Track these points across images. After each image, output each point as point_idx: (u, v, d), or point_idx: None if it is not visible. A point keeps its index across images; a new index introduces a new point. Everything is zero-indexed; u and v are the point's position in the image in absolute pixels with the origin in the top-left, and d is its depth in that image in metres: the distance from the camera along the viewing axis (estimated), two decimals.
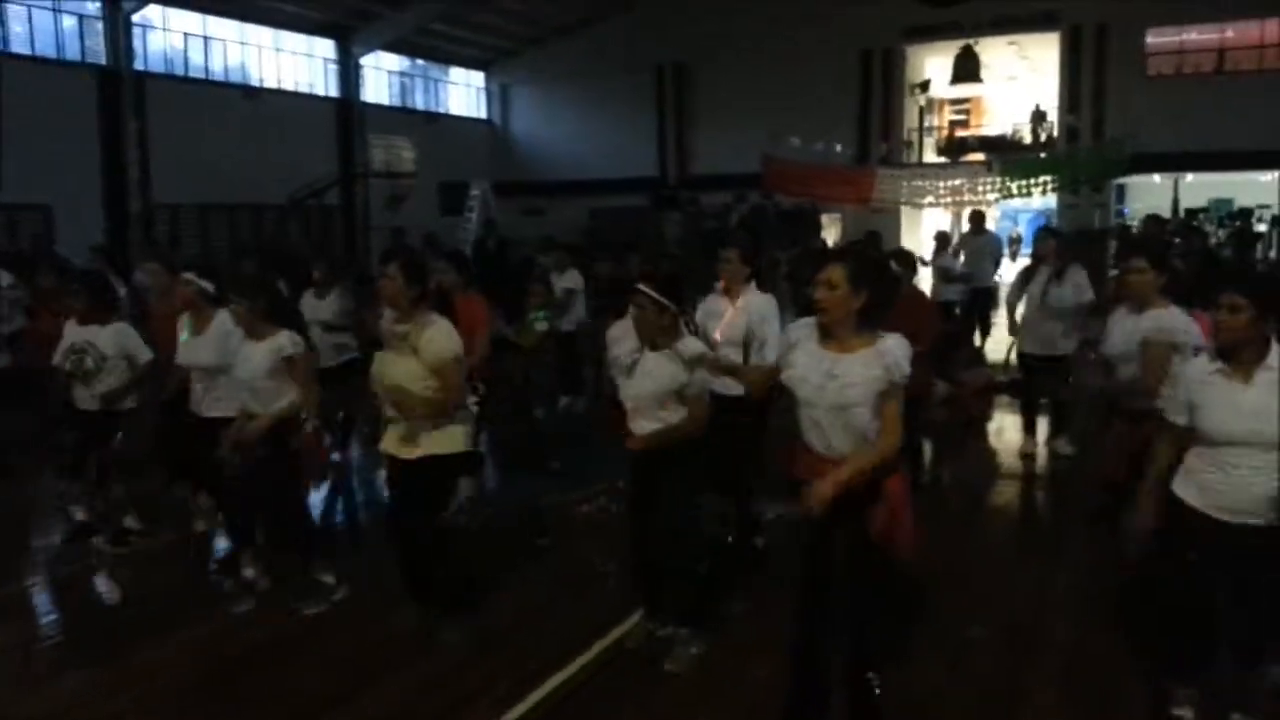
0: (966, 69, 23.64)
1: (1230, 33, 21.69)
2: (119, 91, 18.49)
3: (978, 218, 13.07)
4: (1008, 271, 12.67)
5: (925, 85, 24.62)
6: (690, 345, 4.17)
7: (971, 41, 23.33)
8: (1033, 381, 7.97)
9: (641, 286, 4.14)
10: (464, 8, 23.19)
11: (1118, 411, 4.83)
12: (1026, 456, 7.88)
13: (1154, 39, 22.15)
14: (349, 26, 23.36)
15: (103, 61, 18.50)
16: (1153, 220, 13.18)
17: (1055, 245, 7.78)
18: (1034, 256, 7.99)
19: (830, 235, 21.95)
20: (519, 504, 6.52)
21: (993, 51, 23.77)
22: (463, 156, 25.64)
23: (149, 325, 6.32)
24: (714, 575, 4.56)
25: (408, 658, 4.52)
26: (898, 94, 24.28)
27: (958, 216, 23.14)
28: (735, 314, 5.21)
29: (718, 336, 5.09)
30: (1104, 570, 5.07)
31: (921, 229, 23.43)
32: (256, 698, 4.25)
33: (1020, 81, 24.89)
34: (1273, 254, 18.80)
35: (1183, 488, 3.47)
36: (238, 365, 5.04)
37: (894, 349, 3.32)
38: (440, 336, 4.46)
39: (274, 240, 19.53)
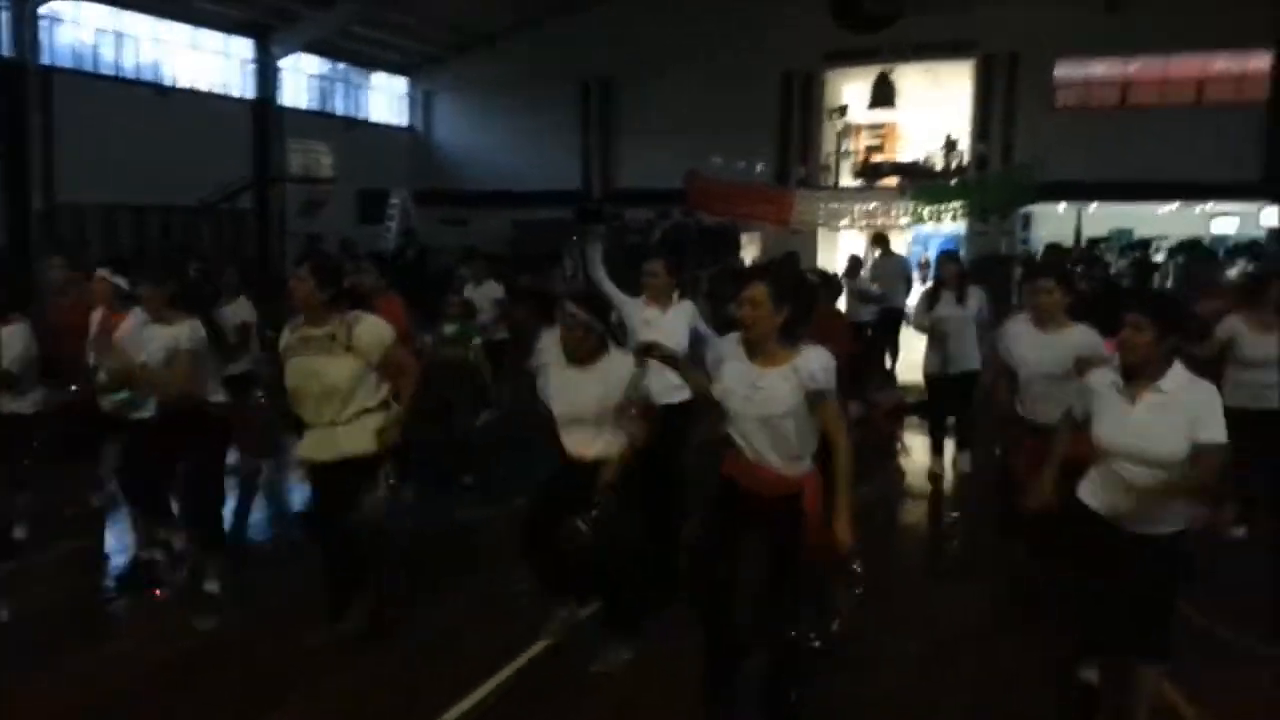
0: (883, 94, 24.27)
1: (1134, 68, 22.71)
2: (23, 85, 17.82)
3: (882, 240, 13.41)
4: (918, 294, 12.99)
5: (843, 110, 25.15)
6: (621, 364, 4.24)
7: (888, 68, 23.97)
8: (939, 402, 8.19)
9: (570, 305, 4.21)
10: (387, 10, 22.93)
11: (1024, 426, 5.01)
12: (935, 477, 8.07)
13: (1062, 71, 23.06)
14: (268, 26, 22.89)
15: (6, 54, 17.83)
16: (1053, 248, 13.71)
17: (956, 269, 8.04)
18: (936, 280, 8.24)
19: (749, 254, 22.24)
20: (436, 521, 6.48)
21: (908, 78, 24.44)
22: (383, 163, 25.34)
23: (48, 324, 6.10)
24: (644, 581, 4.60)
25: (322, 674, 4.43)
26: (817, 117, 24.79)
27: (871, 238, 23.68)
28: (673, 319, 5.32)
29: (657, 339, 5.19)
30: (1014, 585, 5.25)
31: (838, 250, 23.88)
32: None
33: (934, 109, 25.61)
34: (1169, 283, 19.66)
35: (1083, 490, 3.68)
36: (142, 351, 4.94)
37: (811, 360, 3.54)
38: (373, 326, 4.42)
39: (185, 243, 19.03)
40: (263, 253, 21.38)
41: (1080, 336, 4.80)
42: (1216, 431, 3.35)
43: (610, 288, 5.45)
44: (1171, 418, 3.39)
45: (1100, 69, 22.99)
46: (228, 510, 5.72)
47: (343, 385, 4.32)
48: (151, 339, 4.92)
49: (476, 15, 25.16)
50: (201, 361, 4.96)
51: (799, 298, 3.68)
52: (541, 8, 25.39)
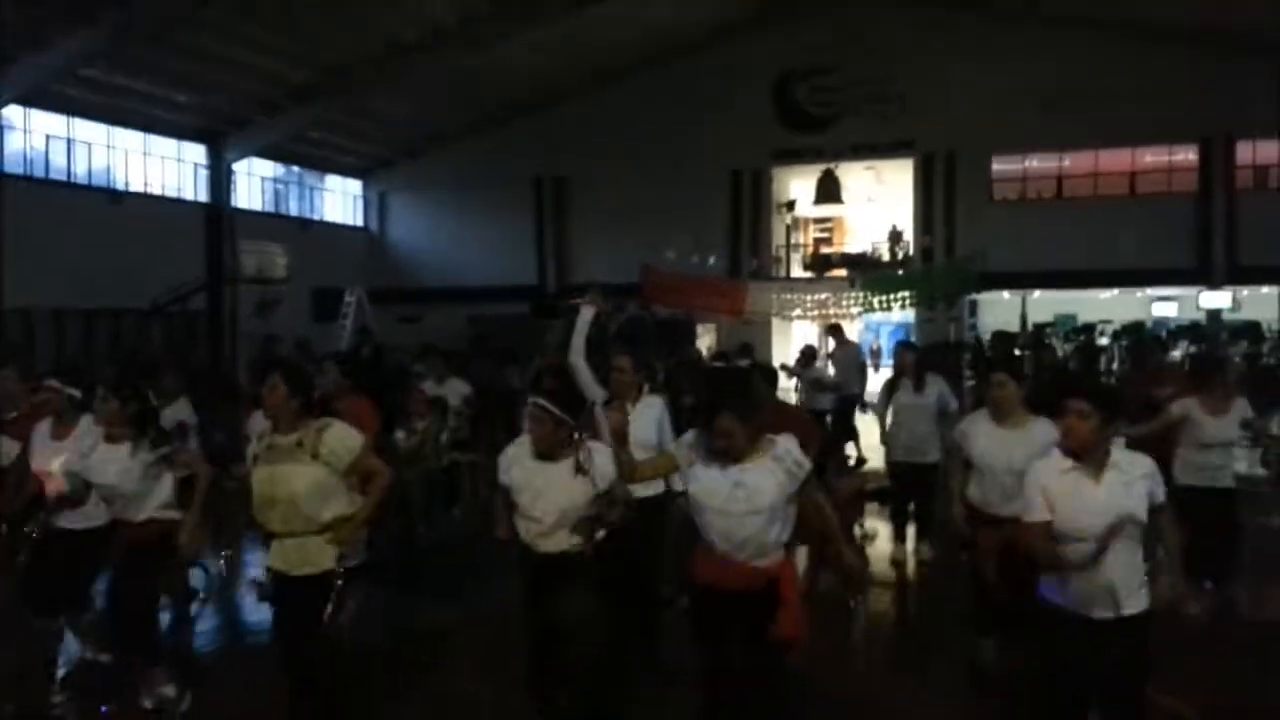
0: (828, 190, 24.95)
1: (1068, 161, 23.61)
2: None
3: (836, 330, 13.61)
4: (872, 380, 13.15)
5: (791, 205, 25.81)
6: (601, 462, 4.15)
7: (832, 165, 24.69)
8: (901, 489, 8.23)
9: (539, 400, 4.12)
10: (338, 116, 23.26)
11: (982, 517, 5.04)
12: (896, 564, 8.06)
13: (999, 165, 23.91)
14: (221, 132, 23.08)
15: None
16: (1001, 336, 14.06)
17: (912, 358, 8.18)
18: (895, 369, 8.37)
19: (704, 344, 22.44)
20: (400, 624, 6.31)
21: (852, 175, 25.21)
22: (338, 263, 25.38)
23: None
24: (617, 678, 4.52)
25: None
26: (766, 211, 25.39)
27: (824, 328, 24.05)
28: (641, 415, 5.31)
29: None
30: (982, 682, 5.21)
31: (791, 339, 24.22)
32: None
33: (878, 203, 26.37)
34: (1115, 365, 20.12)
35: (1048, 589, 3.65)
36: (96, 471, 4.82)
37: (787, 450, 3.59)
38: (342, 433, 4.30)
39: (134, 347, 18.79)
40: (215, 354, 21.15)
41: (1041, 433, 4.81)
42: (1162, 490, 3.57)
43: (586, 376, 5.43)
44: (1132, 489, 3.51)
45: (1035, 163, 23.88)
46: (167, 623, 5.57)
47: (304, 494, 4.17)
48: (106, 459, 4.81)
49: (428, 118, 25.61)
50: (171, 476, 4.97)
51: (756, 403, 3.76)
52: (493, 110, 25.92)
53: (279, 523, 4.25)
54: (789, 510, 3.63)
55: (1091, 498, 3.53)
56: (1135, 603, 3.52)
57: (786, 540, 3.68)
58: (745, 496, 3.53)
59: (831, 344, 13.40)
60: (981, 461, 5.00)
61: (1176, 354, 18.53)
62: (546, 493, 4.09)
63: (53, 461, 5.12)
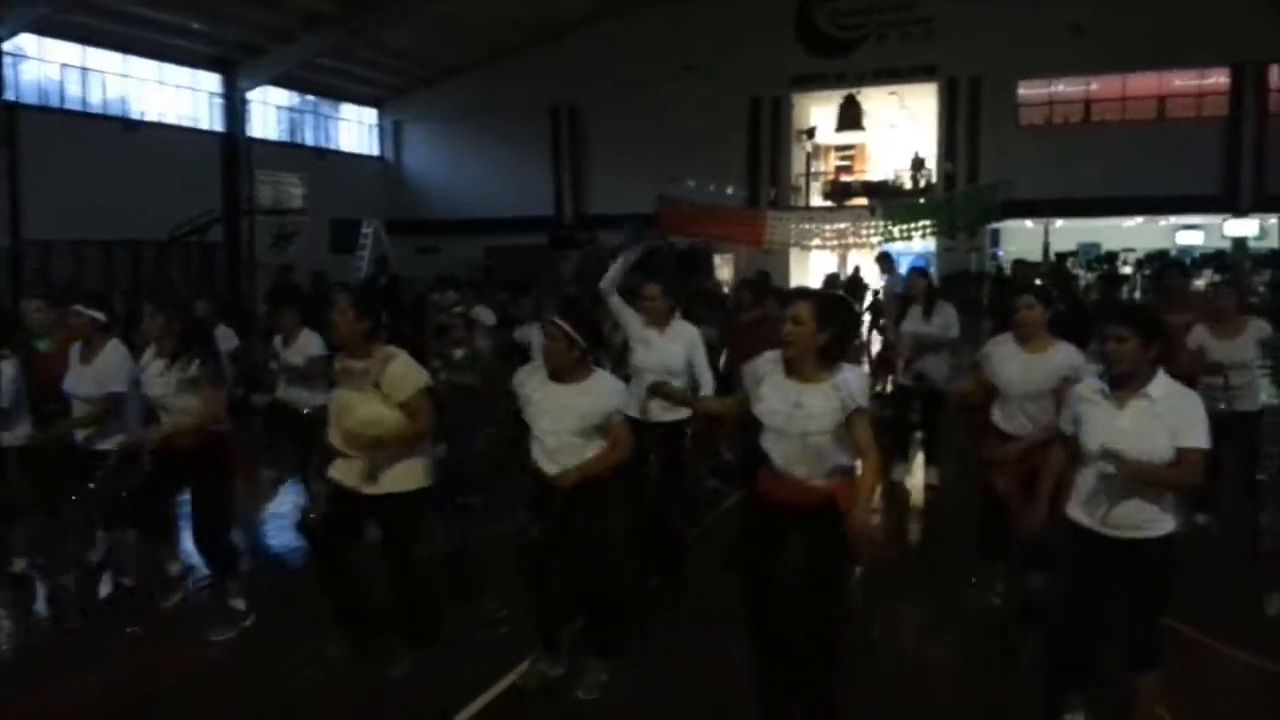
0: (850, 117, 24.54)
1: (1096, 85, 23.09)
2: None
3: (884, 260, 13.45)
4: None
5: (811, 132, 25.42)
6: (605, 384, 4.22)
7: (854, 91, 24.25)
8: (906, 411, 8.22)
9: (555, 319, 4.16)
10: (353, 44, 22.96)
11: (988, 430, 5.03)
12: (895, 484, 8.05)
13: (1025, 90, 23.41)
14: (235, 60, 22.87)
15: None
16: (1021, 264, 13.86)
17: (924, 284, 8.12)
18: (906, 296, 8.31)
19: (723, 275, 22.35)
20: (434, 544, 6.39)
21: (875, 101, 24.75)
22: (354, 193, 25.30)
23: (31, 364, 6.03)
24: (626, 601, 4.59)
25: (305, 699, 4.41)
26: (786, 140, 25.02)
27: (843, 258, 23.87)
28: (669, 342, 5.42)
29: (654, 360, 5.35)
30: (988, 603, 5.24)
31: (809, 270, 24.08)
32: None
33: (900, 130, 25.93)
34: (1137, 294, 19.87)
35: (1072, 507, 3.68)
36: (147, 384, 4.99)
37: (850, 381, 3.63)
38: (407, 370, 4.38)
39: (153, 278, 18.86)
40: (233, 286, 21.23)
41: (1063, 357, 4.79)
42: (1198, 437, 3.43)
43: (616, 301, 5.51)
44: (1157, 424, 3.45)
45: (1062, 87, 23.36)
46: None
47: (369, 425, 4.30)
48: (158, 372, 4.96)
49: (444, 47, 25.26)
50: (221, 390, 5.13)
51: (843, 319, 3.81)
52: (508, 39, 25.54)
53: (342, 442, 4.41)
54: (846, 438, 3.67)
55: (1114, 423, 3.52)
56: (1154, 527, 3.51)
57: (847, 464, 3.73)
58: (803, 417, 3.61)
59: (885, 278, 13.18)
60: (1003, 384, 4.97)
61: (1200, 283, 18.31)
62: (554, 413, 4.15)
63: (80, 384, 5.25)
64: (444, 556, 6.14)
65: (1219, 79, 21.97)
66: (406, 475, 4.42)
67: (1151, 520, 3.51)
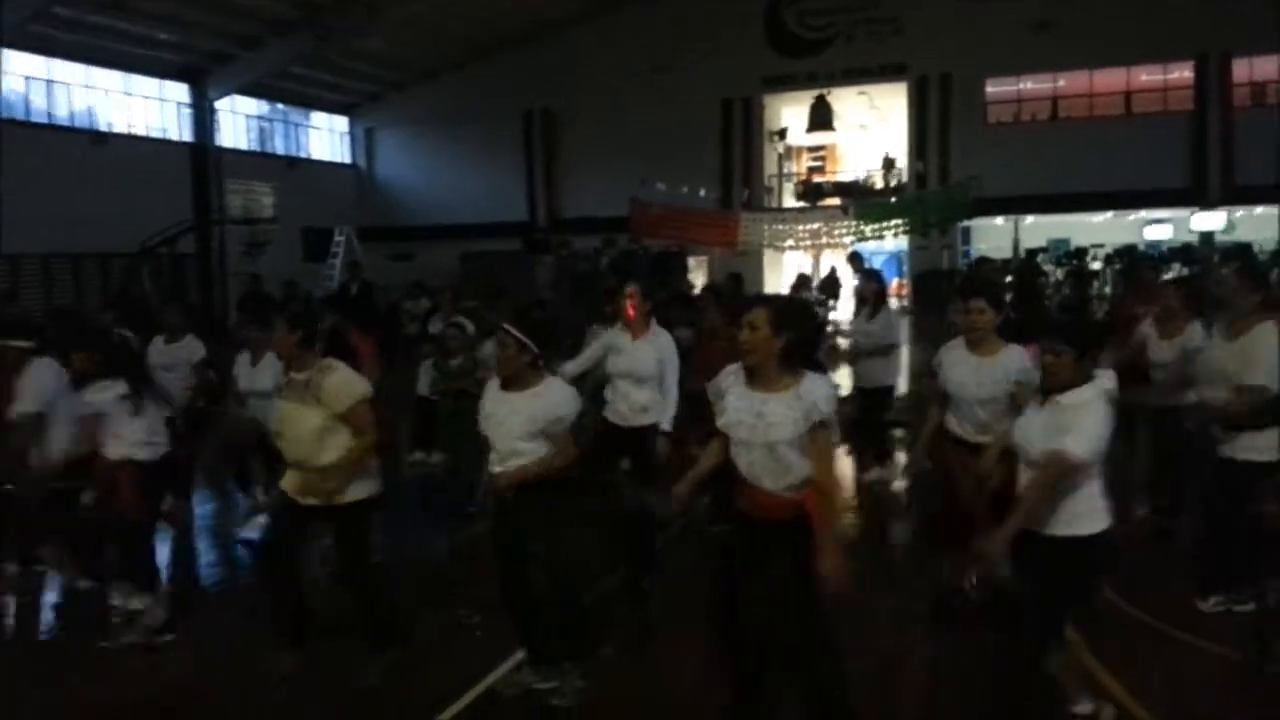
0: (821, 117, 24.65)
1: (1063, 82, 23.30)
2: None
3: (855, 259, 13.46)
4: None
5: (783, 133, 25.53)
6: (555, 390, 4.23)
7: (825, 91, 24.36)
8: (861, 413, 8.21)
9: (507, 325, 4.20)
10: (322, 50, 22.86)
11: (956, 443, 5.04)
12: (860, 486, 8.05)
13: (993, 88, 23.59)
14: (203, 70, 22.75)
15: None
16: (981, 262, 13.94)
17: (874, 287, 8.17)
18: (858, 296, 8.35)
19: (697, 278, 22.39)
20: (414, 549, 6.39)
21: (845, 101, 24.88)
22: (327, 201, 25.20)
23: None
24: (595, 609, 4.63)
25: (277, 711, 4.40)
26: (757, 141, 25.12)
27: (816, 258, 23.99)
28: (640, 347, 5.46)
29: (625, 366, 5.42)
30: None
31: (783, 270, 24.18)
32: None
33: (871, 130, 26.09)
34: (1107, 289, 20.03)
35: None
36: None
37: (814, 390, 3.51)
38: (343, 382, 4.42)
39: (123, 290, 18.69)
40: (205, 296, 21.11)
41: (1011, 360, 4.83)
42: (1074, 443, 3.53)
43: (572, 368, 5.56)
44: (1054, 423, 3.62)
45: (1030, 84, 23.57)
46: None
47: (307, 435, 4.36)
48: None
49: (414, 52, 25.18)
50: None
51: (801, 324, 3.68)
52: (479, 44, 25.51)
53: (289, 454, 4.48)
54: (805, 442, 3.58)
55: (1027, 421, 3.74)
56: (1066, 527, 3.62)
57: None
58: (765, 427, 3.52)
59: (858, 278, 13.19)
60: (954, 389, 4.98)
61: (1168, 276, 18.48)
62: (505, 419, 4.19)
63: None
64: (417, 561, 6.16)
65: (1184, 73, 22.22)
66: (355, 486, 4.45)
67: (1068, 519, 3.62)
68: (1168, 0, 20.63)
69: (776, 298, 4.00)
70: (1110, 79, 22.89)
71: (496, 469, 4.23)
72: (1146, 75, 22.74)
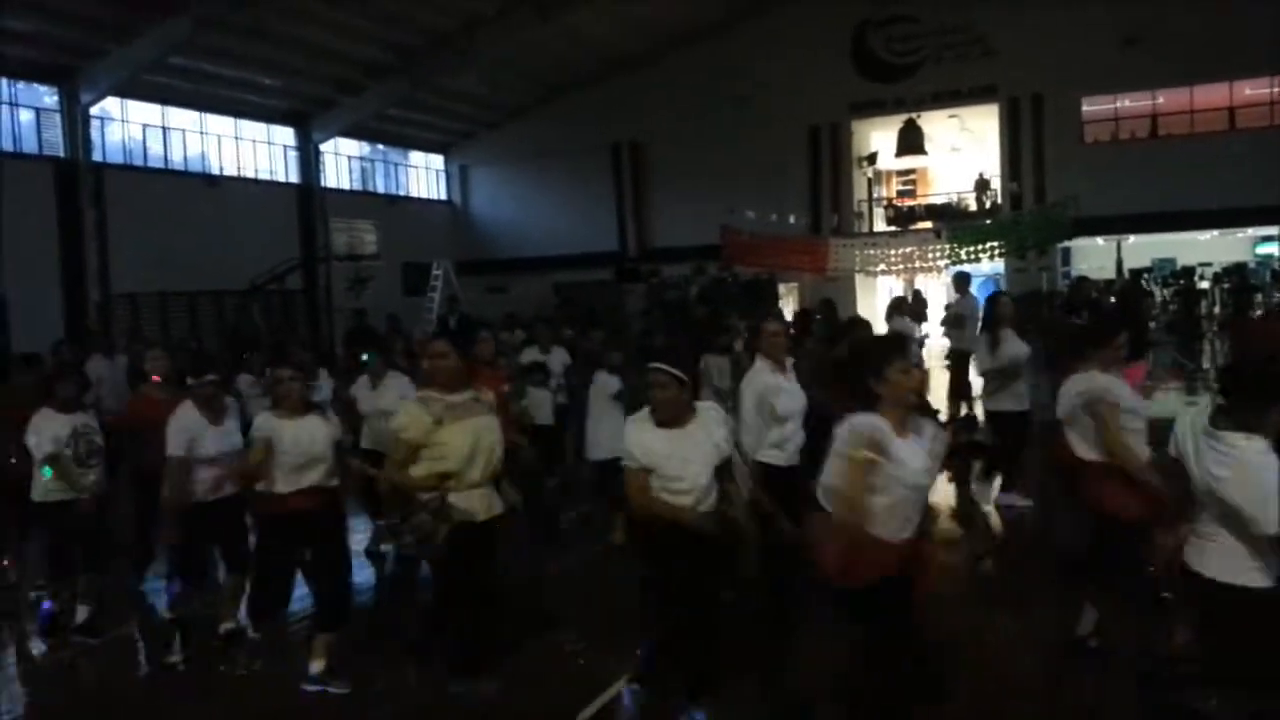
0: (910, 142, 24.41)
1: (1161, 99, 22.68)
2: (77, 182, 18.59)
3: (961, 279, 13.31)
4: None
5: (872, 158, 25.38)
6: (713, 419, 4.22)
7: (914, 115, 24.15)
8: (993, 436, 8.17)
9: (659, 365, 4.07)
10: (419, 94, 23.64)
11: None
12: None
13: (1089, 107, 23.10)
14: (308, 114, 23.73)
15: (61, 154, 18.63)
16: (1081, 281, 13.73)
17: (1013, 308, 8.11)
18: (953, 316, 8.28)
19: (788, 304, 22.36)
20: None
21: (935, 124, 24.61)
22: (425, 237, 25.91)
23: (138, 413, 6.37)
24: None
25: None
26: (846, 167, 25.00)
27: (910, 282, 23.73)
28: (796, 384, 5.44)
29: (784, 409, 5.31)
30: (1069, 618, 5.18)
31: (876, 294, 23.96)
32: None
33: (963, 152, 25.75)
34: (1216, 309, 19.31)
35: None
36: (305, 441, 4.98)
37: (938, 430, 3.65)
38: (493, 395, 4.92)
39: (236, 325, 19.54)
40: (313, 330, 21.88)
41: (1075, 382, 4.78)
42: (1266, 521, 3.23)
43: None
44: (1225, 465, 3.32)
45: (1128, 102, 23.01)
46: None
47: (496, 441, 4.63)
48: (313, 430, 5.08)
49: (505, 91, 25.82)
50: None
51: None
52: (567, 80, 26.04)
53: (480, 471, 4.56)
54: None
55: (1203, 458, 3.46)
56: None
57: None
58: (926, 471, 3.51)
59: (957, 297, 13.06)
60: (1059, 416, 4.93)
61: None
62: (692, 457, 4.05)
63: None
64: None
65: None
66: (498, 497, 4.76)
67: None
68: (1267, 12, 19.95)
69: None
70: (1211, 94, 22.17)
71: (700, 505, 4.07)
72: (1251, 89, 21.99)
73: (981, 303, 9.51)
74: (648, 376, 4.05)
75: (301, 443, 4.91)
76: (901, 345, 3.60)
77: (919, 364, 11.60)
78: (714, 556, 4.09)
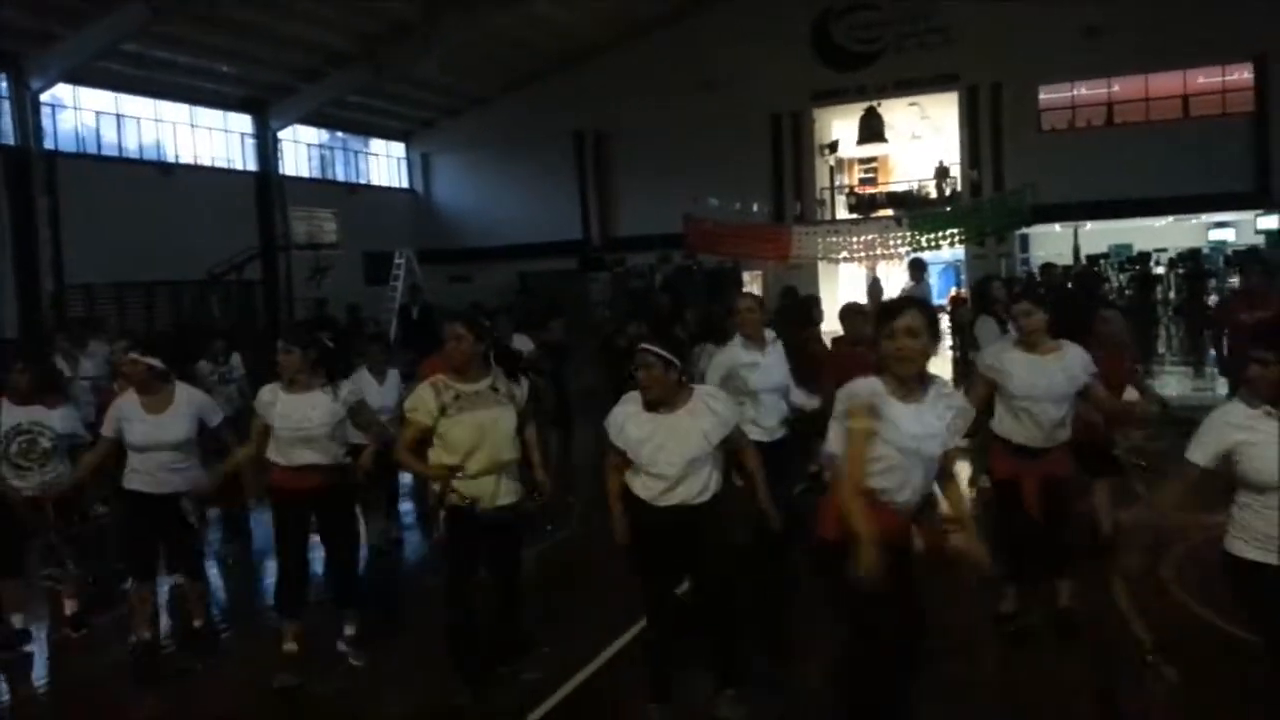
0: (871, 129, 24.60)
1: (1117, 87, 22.99)
2: (29, 171, 18.20)
3: (917, 266, 13.38)
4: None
5: (834, 146, 25.52)
6: (719, 403, 4.15)
7: (875, 103, 24.32)
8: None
9: (646, 346, 4.03)
10: (379, 81, 23.40)
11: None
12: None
13: (1046, 95, 23.37)
14: (265, 101, 23.39)
15: (11, 141, 18.23)
16: (1047, 268, 13.90)
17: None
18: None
19: (752, 291, 22.42)
20: None
21: (895, 112, 24.82)
22: (386, 226, 25.70)
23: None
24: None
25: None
26: (808, 154, 25.13)
27: (872, 269, 23.93)
28: (776, 360, 5.43)
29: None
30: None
31: (838, 282, 24.14)
32: None
33: (923, 140, 25.96)
34: (1171, 294, 19.73)
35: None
36: (296, 417, 4.88)
37: (953, 393, 3.58)
38: (517, 384, 4.72)
39: (194, 316, 19.26)
40: (273, 320, 21.63)
41: (1084, 356, 4.80)
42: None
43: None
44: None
45: (1084, 90, 23.30)
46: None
47: (506, 433, 4.46)
48: (308, 406, 4.94)
49: (467, 79, 25.65)
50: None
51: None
52: (530, 68, 25.90)
53: (482, 463, 4.39)
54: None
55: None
56: None
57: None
58: (928, 437, 3.41)
59: (910, 284, 13.10)
60: (1032, 395, 4.77)
61: (1234, 280, 18.22)
62: (669, 444, 3.99)
63: None
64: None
65: (1243, 74, 21.82)
66: (514, 486, 4.59)
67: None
68: (1220, 1, 20.28)
69: (921, 301, 3.69)
70: (1166, 83, 22.51)
71: (667, 494, 4.02)
72: (1204, 78, 22.35)
73: (939, 289, 9.52)
74: (637, 358, 4.02)
75: (291, 418, 4.85)
76: (898, 311, 3.43)
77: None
78: (682, 542, 4.02)
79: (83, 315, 18.10)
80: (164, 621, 5.90)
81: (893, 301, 3.71)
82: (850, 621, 3.48)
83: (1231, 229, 23.04)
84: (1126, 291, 19.29)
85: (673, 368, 3.99)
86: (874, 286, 11.87)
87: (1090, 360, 4.82)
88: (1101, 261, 22.17)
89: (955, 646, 4.65)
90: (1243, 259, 14.85)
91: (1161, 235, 23.07)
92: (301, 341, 5.04)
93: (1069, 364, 4.75)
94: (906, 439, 3.32)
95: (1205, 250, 22.52)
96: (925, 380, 3.40)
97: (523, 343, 9.60)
